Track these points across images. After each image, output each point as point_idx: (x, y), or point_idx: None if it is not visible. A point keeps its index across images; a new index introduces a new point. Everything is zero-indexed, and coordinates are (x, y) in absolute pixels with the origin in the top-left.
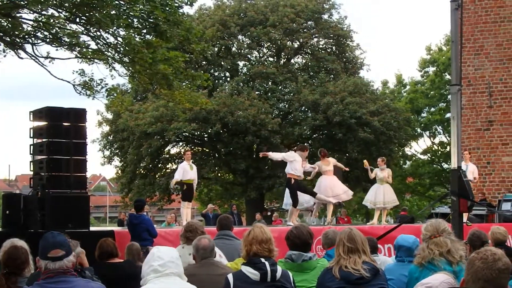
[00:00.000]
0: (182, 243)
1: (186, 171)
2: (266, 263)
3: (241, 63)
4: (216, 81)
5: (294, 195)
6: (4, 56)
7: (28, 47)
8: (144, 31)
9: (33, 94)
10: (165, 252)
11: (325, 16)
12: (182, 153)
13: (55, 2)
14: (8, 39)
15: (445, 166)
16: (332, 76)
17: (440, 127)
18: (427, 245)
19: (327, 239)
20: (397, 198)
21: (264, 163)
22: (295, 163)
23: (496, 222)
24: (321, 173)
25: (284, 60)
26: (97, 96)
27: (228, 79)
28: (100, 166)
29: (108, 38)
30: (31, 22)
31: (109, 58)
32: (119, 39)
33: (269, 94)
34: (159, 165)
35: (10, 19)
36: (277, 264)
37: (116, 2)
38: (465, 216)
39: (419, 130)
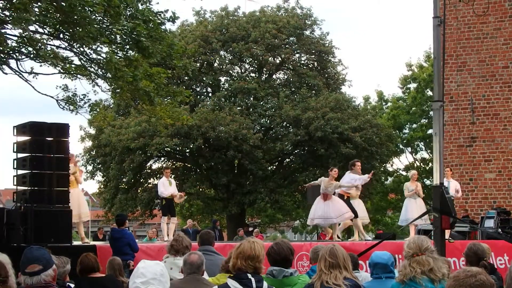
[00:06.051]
0: (167, 254)
1: (166, 187)
2: (253, 279)
3: (222, 79)
4: (198, 96)
5: None
6: None
7: (12, 63)
8: (127, 47)
9: (17, 109)
10: (149, 268)
11: (307, 32)
12: (163, 169)
13: (39, 19)
14: None
15: (427, 182)
16: (313, 91)
17: (422, 143)
18: (409, 263)
19: (315, 255)
20: (379, 214)
21: (246, 178)
22: None
23: (479, 239)
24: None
25: (266, 76)
26: (80, 111)
27: (210, 94)
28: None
29: (91, 54)
30: (15, 38)
31: (92, 73)
32: (102, 55)
33: (251, 109)
34: (141, 180)
35: None
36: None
37: (99, 18)
38: (447, 233)
39: (401, 146)
